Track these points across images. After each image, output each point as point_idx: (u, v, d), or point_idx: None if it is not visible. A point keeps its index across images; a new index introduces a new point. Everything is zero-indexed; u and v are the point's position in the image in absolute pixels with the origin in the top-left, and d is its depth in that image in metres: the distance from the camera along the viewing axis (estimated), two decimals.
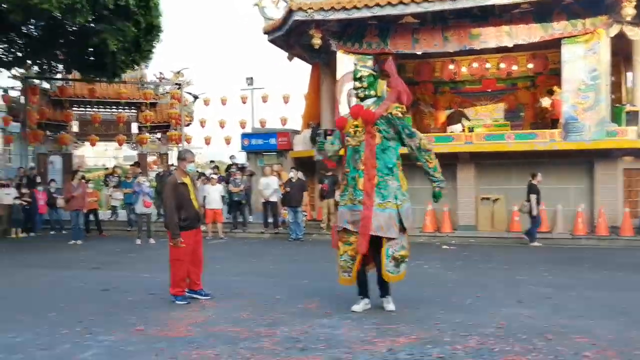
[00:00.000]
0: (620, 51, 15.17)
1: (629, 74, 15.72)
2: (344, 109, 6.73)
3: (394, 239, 6.02)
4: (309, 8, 13.96)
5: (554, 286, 7.66)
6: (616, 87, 15.97)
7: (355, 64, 6.56)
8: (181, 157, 7.13)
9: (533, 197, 12.16)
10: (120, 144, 25.24)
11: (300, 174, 14.67)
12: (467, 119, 16.61)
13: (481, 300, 6.80)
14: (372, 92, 6.36)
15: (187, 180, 6.94)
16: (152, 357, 4.68)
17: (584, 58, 13.14)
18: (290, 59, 17.66)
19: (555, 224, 13.30)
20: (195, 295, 6.99)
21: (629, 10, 12.29)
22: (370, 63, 14.49)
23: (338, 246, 6.31)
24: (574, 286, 7.65)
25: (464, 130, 14.75)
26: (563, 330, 5.30)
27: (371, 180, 6.08)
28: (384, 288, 6.37)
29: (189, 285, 7.01)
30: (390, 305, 6.28)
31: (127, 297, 7.20)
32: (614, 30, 13.11)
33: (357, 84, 6.35)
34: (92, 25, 14.46)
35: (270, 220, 15.01)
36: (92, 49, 15.29)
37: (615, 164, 13.17)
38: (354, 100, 6.78)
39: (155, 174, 19.74)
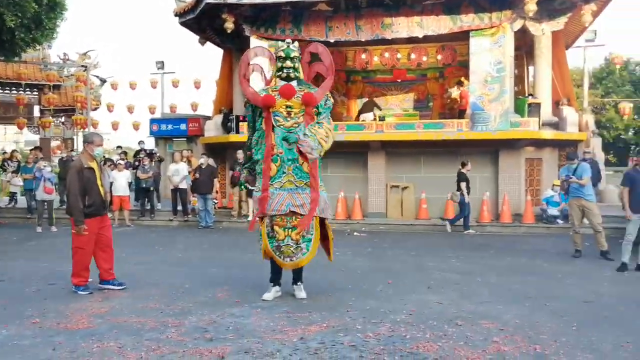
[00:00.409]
0: (523, 45, 15.91)
1: (531, 68, 16.50)
2: (257, 85, 6.44)
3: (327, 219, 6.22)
4: None
5: (462, 272, 7.85)
6: (519, 80, 16.73)
7: (288, 43, 6.25)
8: (88, 140, 6.71)
9: (463, 184, 12.43)
10: (21, 128, 23.86)
11: (210, 160, 14.27)
12: (379, 108, 16.83)
13: (392, 287, 6.83)
14: (298, 74, 6.25)
15: (93, 164, 6.58)
16: (49, 352, 4.41)
17: (490, 51, 13.60)
18: (202, 43, 17.15)
19: None
20: (108, 286, 6.64)
21: (531, 7, 12.88)
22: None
23: (264, 231, 6.07)
24: (481, 272, 7.88)
25: (375, 119, 14.91)
26: (472, 316, 5.40)
27: (315, 162, 6.05)
28: (299, 274, 6.27)
29: (101, 276, 6.68)
30: (302, 293, 6.19)
31: (23, 288, 6.81)
32: (518, 25, 13.68)
33: (289, 63, 6.14)
34: None
35: (179, 207, 14.50)
36: None
37: (519, 153, 13.77)
38: (258, 76, 6.59)
39: (58, 159, 18.67)
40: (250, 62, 6.50)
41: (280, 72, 6.18)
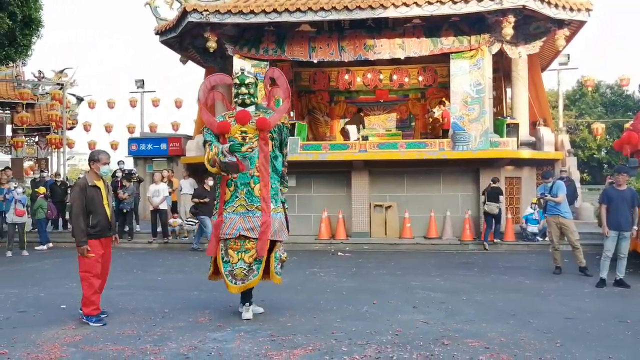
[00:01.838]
0: (501, 68, 16.20)
1: (509, 90, 16.79)
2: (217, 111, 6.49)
3: (281, 242, 6.29)
4: (204, 10, 13.56)
5: (447, 291, 7.85)
6: (497, 101, 16.98)
7: (242, 69, 6.49)
8: (94, 159, 6.33)
9: (502, 197, 12.80)
10: None
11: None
12: (363, 126, 16.92)
13: (377, 307, 6.79)
14: (255, 99, 6.40)
15: (99, 183, 6.28)
16: None
17: (470, 73, 13.80)
18: (183, 62, 17.11)
19: (444, 230, 13.76)
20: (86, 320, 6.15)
21: (508, 31, 13.15)
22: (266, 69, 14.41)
23: (217, 254, 6.19)
24: (465, 290, 7.88)
25: (358, 138, 14.97)
26: (457, 335, 5.38)
27: (267, 186, 6.15)
28: (249, 295, 6.33)
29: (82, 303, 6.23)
30: (248, 314, 6.21)
31: None
32: (495, 48, 13.95)
33: (244, 89, 6.29)
34: None
35: (159, 229, 14.26)
36: None
37: (498, 172, 13.88)
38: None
39: (30, 180, 18.31)
40: (211, 89, 6.54)
41: (236, 99, 6.32)
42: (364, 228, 14.15)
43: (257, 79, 6.51)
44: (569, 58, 20.85)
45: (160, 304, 7.07)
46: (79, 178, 6.62)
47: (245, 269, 6.05)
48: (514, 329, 5.66)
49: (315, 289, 8.04)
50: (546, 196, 9.52)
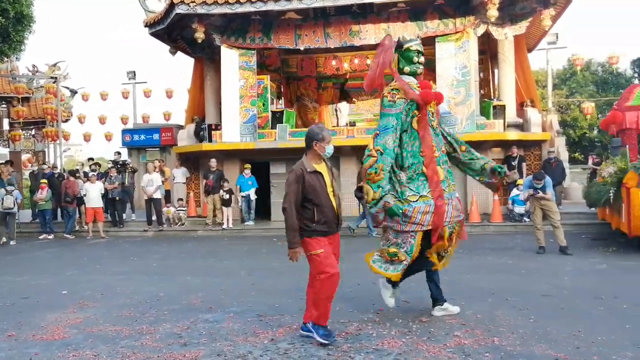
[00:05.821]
0: (488, 49, 16.35)
1: (496, 71, 16.94)
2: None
3: None
4: (192, 2, 13.71)
5: None
6: (485, 83, 17.15)
7: (418, 36, 5.90)
8: (317, 138, 4.83)
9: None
10: None
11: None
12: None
13: (361, 288, 7.04)
14: None
15: (321, 168, 4.90)
16: None
17: (455, 56, 13.99)
18: (172, 53, 17.25)
19: None
20: (306, 333, 4.93)
21: (493, 12, 13.29)
22: (254, 59, 14.55)
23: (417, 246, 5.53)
24: (448, 271, 8.04)
25: (346, 123, 15.18)
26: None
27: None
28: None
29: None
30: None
31: None
32: (481, 30, 14.12)
33: (422, 58, 5.62)
34: None
35: (153, 217, 14.55)
36: None
37: (485, 154, 13.95)
38: None
39: (29, 173, 18.60)
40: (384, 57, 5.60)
41: (417, 68, 5.56)
42: (354, 213, 14.36)
43: None
44: (557, 37, 20.89)
45: (155, 288, 7.37)
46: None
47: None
48: (491, 306, 5.90)
49: (301, 272, 8.21)
50: (538, 194, 9.66)
